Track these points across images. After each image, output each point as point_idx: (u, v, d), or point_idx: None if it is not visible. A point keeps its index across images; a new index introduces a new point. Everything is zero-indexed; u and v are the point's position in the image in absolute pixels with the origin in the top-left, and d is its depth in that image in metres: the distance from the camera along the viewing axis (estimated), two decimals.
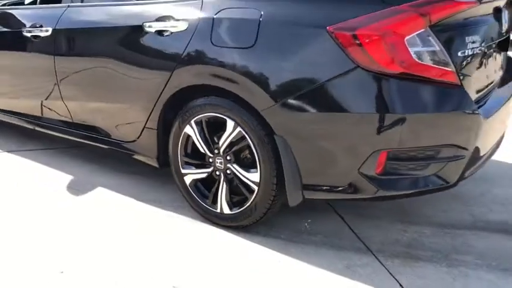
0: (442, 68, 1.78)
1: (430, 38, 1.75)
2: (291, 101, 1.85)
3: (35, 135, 3.27)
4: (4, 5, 3.28)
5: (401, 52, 1.73)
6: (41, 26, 2.69)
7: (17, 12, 3.02)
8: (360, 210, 2.41)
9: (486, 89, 2.17)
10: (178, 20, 2.15)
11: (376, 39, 1.72)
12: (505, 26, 2.18)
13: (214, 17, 2.05)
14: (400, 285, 1.85)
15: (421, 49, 1.75)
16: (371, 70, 1.75)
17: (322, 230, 2.24)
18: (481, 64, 2.06)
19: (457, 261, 2.00)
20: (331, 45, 1.77)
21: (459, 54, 1.83)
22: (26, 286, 1.83)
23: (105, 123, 2.64)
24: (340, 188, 1.91)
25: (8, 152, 3.21)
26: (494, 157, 2.88)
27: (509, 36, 2.48)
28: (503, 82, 2.50)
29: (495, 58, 2.29)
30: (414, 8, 1.74)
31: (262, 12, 1.93)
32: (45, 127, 3.00)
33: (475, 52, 1.90)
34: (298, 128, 1.89)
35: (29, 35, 2.75)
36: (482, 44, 1.99)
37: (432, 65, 1.77)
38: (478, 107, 1.95)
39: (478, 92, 2.02)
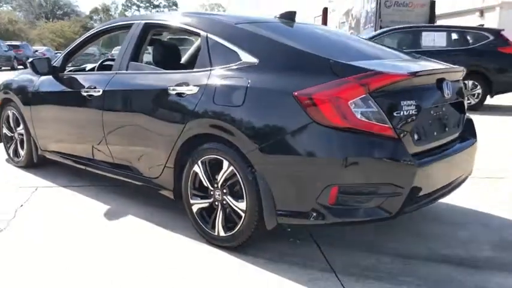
0: (380, 124, 2.35)
1: (369, 101, 2.34)
2: (267, 146, 2.47)
3: (83, 173, 3.99)
4: (70, 71, 4.15)
5: (346, 112, 2.32)
6: (95, 88, 3.49)
7: (79, 76, 3.85)
8: (333, 240, 2.91)
9: (434, 143, 2.69)
10: (192, 85, 2.85)
11: (326, 102, 2.33)
12: (447, 94, 2.71)
13: (217, 83, 2.73)
14: None
15: (362, 110, 2.34)
16: (323, 125, 2.34)
17: (299, 254, 2.75)
18: (424, 122, 2.60)
19: (400, 281, 2.45)
20: (296, 105, 2.39)
21: (395, 114, 2.39)
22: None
23: (138, 164, 3.32)
24: (303, 215, 2.45)
25: (62, 186, 3.96)
26: (464, 203, 3.35)
27: (462, 101, 3.02)
28: (461, 138, 3.01)
29: (446, 119, 2.82)
30: (357, 79, 2.35)
31: (249, 81, 2.59)
32: (94, 167, 3.73)
33: (411, 113, 2.45)
34: (272, 167, 2.48)
35: (85, 94, 3.55)
36: (423, 107, 2.54)
37: (371, 122, 2.34)
38: (420, 157, 2.49)
39: (420, 144, 2.55)
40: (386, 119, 2.36)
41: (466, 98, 3.01)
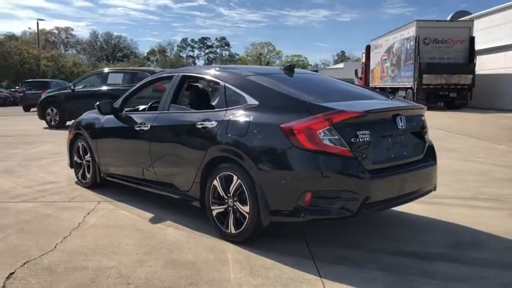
0: (341, 147, 3.25)
1: (333, 131, 3.26)
2: (262, 164, 3.42)
3: (136, 191, 5.06)
4: (127, 111, 5.27)
5: (315, 139, 3.25)
6: (145, 124, 4.59)
7: (133, 115, 4.96)
8: (320, 238, 3.78)
9: (392, 163, 3.54)
10: (212, 121, 3.86)
11: (302, 132, 3.27)
12: (401, 126, 3.57)
13: (230, 119, 3.73)
14: (319, 274, 3.17)
15: (328, 137, 3.26)
16: (300, 148, 3.28)
17: (291, 247, 3.63)
18: (381, 147, 3.47)
19: (362, 266, 3.28)
20: (281, 135, 3.35)
21: (352, 140, 3.29)
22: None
23: (175, 181, 4.33)
24: (288, 213, 3.35)
25: (118, 201, 5.05)
26: (434, 215, 4.14)
27: (420, 132, 3.86)
28: (423, 160, 3.83)
29: (405, 145, 3.67)
30: (323, 115, 3.28)
31: (251, 117, 3.58)
32: (143, 185, 4.79)
33: (366, 140, 3.33)
34: (266, 178, 3.41)
35: (138, 128, 4.66)
36: (378, 136, 3.42)
37: (334, 146, 3.25)
38: (376, 172, 3.35)
39: (377, 163, 3.41)
40: (346, 144, 3.26)
41: None
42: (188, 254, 3.54)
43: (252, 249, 3.59)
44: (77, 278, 3.12)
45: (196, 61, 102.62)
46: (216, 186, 3.81)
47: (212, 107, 4.42)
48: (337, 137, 3.26)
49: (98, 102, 5.18)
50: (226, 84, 4.00)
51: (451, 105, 21.76)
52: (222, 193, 3.77)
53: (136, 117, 4.84)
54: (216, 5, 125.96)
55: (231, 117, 3.75)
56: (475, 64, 21.31)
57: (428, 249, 3.61)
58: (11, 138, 11.43)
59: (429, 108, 21.02)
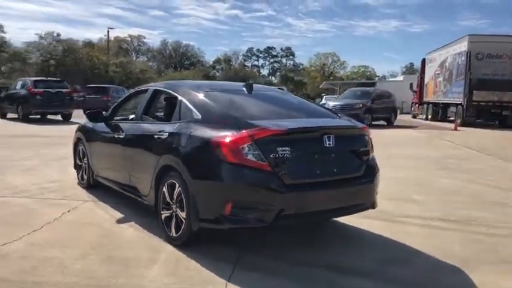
0: (260, 162, 3.49)
1: (254, 146, 3.51)
2: (194, 174, 3.73)
3: (124, 194, 5.50)
4: (117, 120, 5.74)
5: (238, 153, 3.51)
6: (122, 132, 5.04)
7: (116, 124, 5.40)
8: (257, 248, 4.01)
9: (317, 179, 3.72)
10: (166, 132, 4.22)
11: (226, 146, 3.55)
12: (329, 144, 3.73)
13: (177, 131, 4.07)
14: (229, 278, 3.41)
15: (250, 152, 3.51)
16: (224, 161, 3.55)
17: (223, 253, 3.88)
18: (305, 163, 3.66)
19: (275, 276, 3.48)
20: (211, 148, 3.64)
21: (271, 156, 3.51)
22: None
23: (140, 186, 4.72)
24: (212, 221, 3.63)
25: (101, 201, 5.52)
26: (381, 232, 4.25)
27: (359, 150, 4.00)
28: (361, 177, 3.97)
29: (336, 162, 3.83)
30: (247, 132, 3.54)
31: (192, 130, 3.90)
32: (122, 189, 5.24)
33: (286, 156, 3.54)
34: (197, 188, 3.71)
35: (116, 136, 5.12)
36: (301, 152, 3.62)
37: (254, 160, 3.50)
38: (296, 187, 3.55)
39: (298, 178, 3.61)
40: (265, 158, 3.49)
41: None
42: (129, 252, 3.90)
43: (187, 252, 3.88)
44: (22, 264, 3.57)
45: (261, 70, 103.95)
46: (164, 192, 4.15)
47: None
48: (257, 152, 3.51)
49: (88, 111, 5.71)
50: (182, 99, 4.36)
51: (504, 123, 20.78)
52: (168, 199, 4.11)
53: (118, 126, 5.29)
54: (285, 15, 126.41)
55: (179, 129, 4.09)
56: None
57: (353, 264, 3.73)
58: (54, 138, 12.43)
59: (481, 126, 20.50)
